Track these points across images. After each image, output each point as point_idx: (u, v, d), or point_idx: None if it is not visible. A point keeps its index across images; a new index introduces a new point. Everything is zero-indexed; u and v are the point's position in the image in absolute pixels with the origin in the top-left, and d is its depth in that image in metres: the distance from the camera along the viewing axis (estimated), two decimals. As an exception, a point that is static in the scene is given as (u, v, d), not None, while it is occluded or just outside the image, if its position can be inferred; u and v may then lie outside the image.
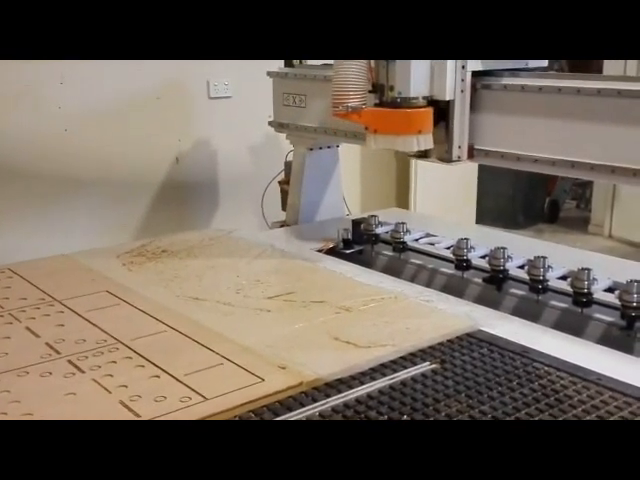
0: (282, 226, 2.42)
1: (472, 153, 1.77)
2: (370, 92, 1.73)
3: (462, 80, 1.71)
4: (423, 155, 1.80)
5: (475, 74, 1.72)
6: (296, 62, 2.33)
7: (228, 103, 2.93)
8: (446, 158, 1.78)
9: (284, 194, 2.50)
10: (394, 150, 2.10)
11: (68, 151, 2.62)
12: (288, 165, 2.49)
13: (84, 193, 2.68)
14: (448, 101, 1.72)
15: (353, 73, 1.68)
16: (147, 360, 1.29)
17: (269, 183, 2.66)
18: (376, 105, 1.74)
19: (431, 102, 1.71)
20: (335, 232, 2.15)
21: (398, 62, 1.67)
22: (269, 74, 2.36)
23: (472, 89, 1.72)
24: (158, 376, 1.23)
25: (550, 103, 1.62)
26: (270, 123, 2.41)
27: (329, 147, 2.40)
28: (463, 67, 1.70)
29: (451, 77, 1.69)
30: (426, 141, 1.70)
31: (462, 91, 1.72)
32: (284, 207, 2.50)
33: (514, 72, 1.72)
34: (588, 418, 1.10)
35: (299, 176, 2.38)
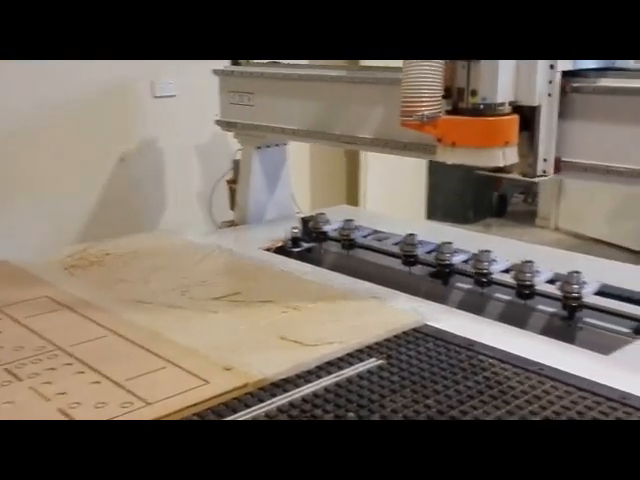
0: (231, 225, 2.40)
1: (559, 166, 1.52)
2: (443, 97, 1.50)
3: (550, 82, 1.47)
4: (500, 170, 1.52)
5: (563, 75, 1.49)
6: (242, 60, 2.31)
7: (173, 102, 2.89)
8: (530, 173, 1.53)
9: (232, 193, 2.48)
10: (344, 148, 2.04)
11: (7, 152, 2.55)
12: (236, 164, 2.47)
13: (24, 195, 2.61)
14: (534, 107, 1.48)
15: (427, 75, 1.43)
16: (87, 366, 1.25)
17: (217, 182, 2.63)
18: (449, 112, 1.49)
19: (514, 109, 1.49)
20: (284, 231, 2.14)
21: (483, 62, 1.43)
22: (215, 72, 2.33)
23: (561, 92, 1.49)
24: (99, 382, 1.20)
25: None
26: (217, 122, 2.39)
27: (277, 145, 2.39)
28: (552, 67, 1.46)
29: (541, 79, 1.46)
30: (512, 154, 1.47)
31: (550, 95, 1.47)
32: (232, 206, 2.48)
33: (602, 72, 1.49)
34: (530, 408, 1.12)
35: (247, 175, 2.36)
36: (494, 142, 1.45)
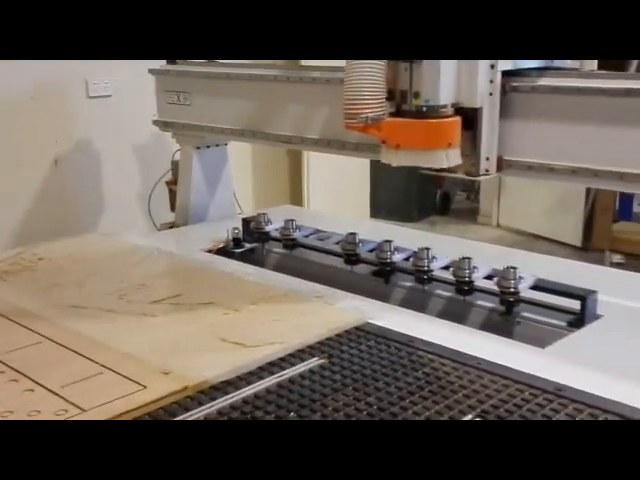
0: (171, 227, 2.37)
1: (501, 165, 1.55)
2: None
3: (491, 82, 1.48)
4: (444, 169, 1.52)
5: (503, 74, 1.49)
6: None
7: (109, 102, 2.83)
8: (473, 172, 1.54)
9: (172, 194, 2.45)
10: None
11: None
12: (175, 164, 2.44)
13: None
14: (476, 109, 1.50)
15: (370, 77, 1.44)
16: (20, 374, 1.21)
17: (156, 183, 2.59)
18: (392, 114, 1.49)
19: (456, 110, 1.49)
20: (226, 232, 2.12)
21: (425, 64, 1.44)
22: (151, 71, 2.29)
23: (502, 92, 1.50)
24: (32, 390, 1.16)
25: (592, 106, 1.42)
26: (155, 122, 2.35)
27: (217, 145, 2.37)
28: (492, 66, 1.47)
29: (482, 80, 1.47)
30: (455, 156, 1.48)
31: (491, 94, 1.49)
32: (173, 208, 2.44)
33: (541, 72, 1.50)
34: (468, 402, 1.13)
35: (187, 176, 2.33)
36: (437, 144, 1.46)
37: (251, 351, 1.31)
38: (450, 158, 1.47)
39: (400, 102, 1.50)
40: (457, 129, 1.48)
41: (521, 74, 1.52)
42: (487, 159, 1.54)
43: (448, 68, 1.45)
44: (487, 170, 1.54)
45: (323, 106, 1.83)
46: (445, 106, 1.46)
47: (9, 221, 2.64)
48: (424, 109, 1.45)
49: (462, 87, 1.48)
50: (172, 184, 2.44)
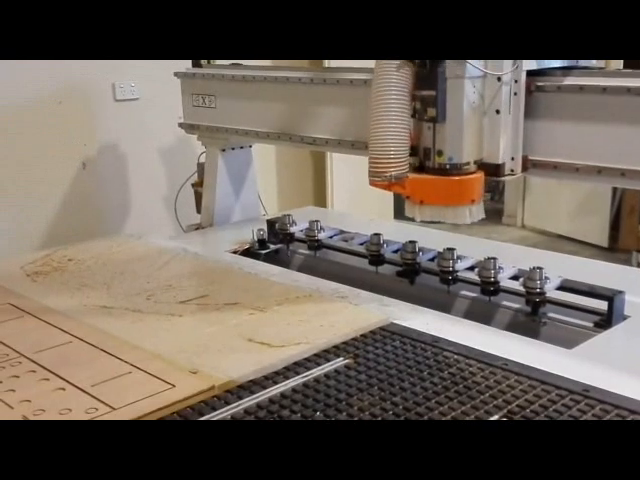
0: (197, 229, 2.39)
1: (526, 165, 1.55)
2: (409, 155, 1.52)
3: (515, 81, 1.48)
4: None
5: (528, 74, 1.49)
6: (204, 62, 2.30)
7: (136, 105, 2.87)
8: (497, 173, 1.54)
9: (198, 196, 2.47)
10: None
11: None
12: (201, 166, 2.46)
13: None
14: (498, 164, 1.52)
15: (393, 136, 1.46)
16: (52, 373, 1.24)
17: (182, 185, 2.62)
18: (415, 169, 1.52)
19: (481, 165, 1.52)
20: (251, 233, 2.13)
21: (448, 124, 1.46)
22: (176, 75, 2.32)
23: (526, 91, 1.49)
24: (63, 389, 1.18)
25: (618, 105, 1.41)
26: (180, 125, 2.38)
27: (242, 147, 2.39)
28: (517, 66, 1.46)
29: (505, 138, 1.50)
30: (479, 211, 1.51)
31: (515, 94, 1.49)
32: (199, 209, 2.46)
33: (566, 71, 1.49)
34: (495, 403, 1.13)
35: (212, 177, 2.35)
36: (461, 201, 1.50)
37: (277, 351, 1.32)
38: (473, 214, 1.51)
39: (423, 159, 1.53)
40: (480, 186, 1.51)
41: (546, 73, 1.51)
42: (512, 159, 1.54)
43: (470, 127, 1.48)
44: (512, 170, 1.55)
45: (347, 107, 1.84)
46: (468, 163, 1.49)
47: (39, 223, 2.69)
48: (447, 166, 1.48)
49: (485, 144, 1.51)
50: (198, 186, 2.46)
